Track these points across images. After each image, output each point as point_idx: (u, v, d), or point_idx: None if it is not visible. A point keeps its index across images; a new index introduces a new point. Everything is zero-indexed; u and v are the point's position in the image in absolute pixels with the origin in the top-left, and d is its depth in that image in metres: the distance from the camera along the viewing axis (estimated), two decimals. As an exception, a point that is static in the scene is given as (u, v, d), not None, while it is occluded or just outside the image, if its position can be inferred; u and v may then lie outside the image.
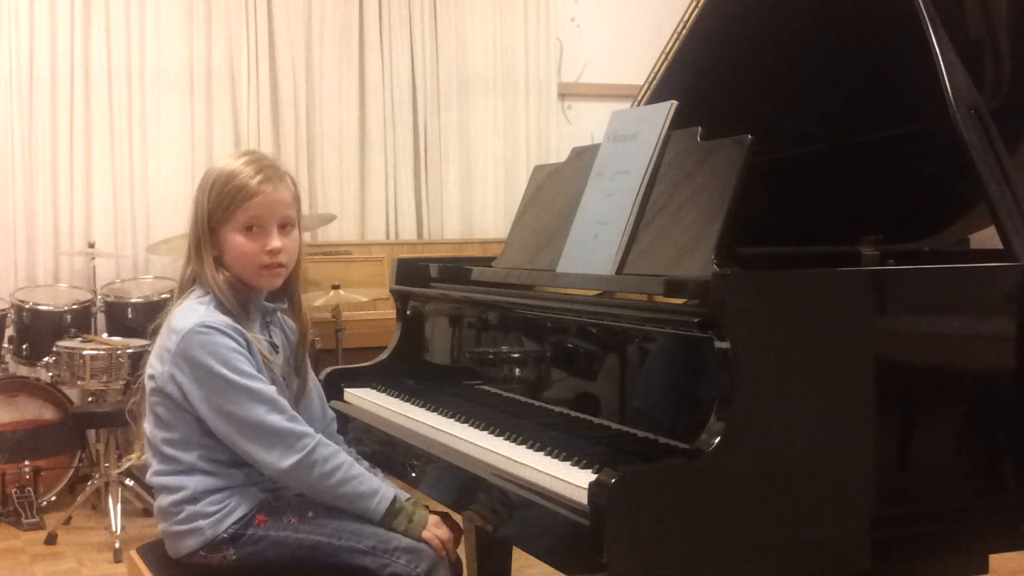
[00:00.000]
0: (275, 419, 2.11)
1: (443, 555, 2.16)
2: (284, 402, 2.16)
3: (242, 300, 2.21)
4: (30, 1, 5.36)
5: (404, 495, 2.23)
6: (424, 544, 2.14)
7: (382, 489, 2.18)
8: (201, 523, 2.13)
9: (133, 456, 4.63)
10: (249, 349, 2.16)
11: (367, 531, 2.14)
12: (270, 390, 2.15)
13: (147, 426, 2.22)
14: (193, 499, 2.14)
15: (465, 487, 2.17)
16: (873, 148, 2.70)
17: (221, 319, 2.15)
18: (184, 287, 2.25)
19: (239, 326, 2.16)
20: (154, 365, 2.18)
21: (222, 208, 2.19)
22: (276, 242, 2.20)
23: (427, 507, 2.23)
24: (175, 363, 2.13)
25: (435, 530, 2.17)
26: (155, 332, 2.26)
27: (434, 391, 2.66)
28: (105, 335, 4.92)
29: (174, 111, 5.62)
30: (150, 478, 2.22)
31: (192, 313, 2.16)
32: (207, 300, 2.19)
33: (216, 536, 2.13)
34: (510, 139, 6.24)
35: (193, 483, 2.15)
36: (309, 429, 2.16)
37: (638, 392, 2.15)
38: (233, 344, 2.13)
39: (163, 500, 2.18)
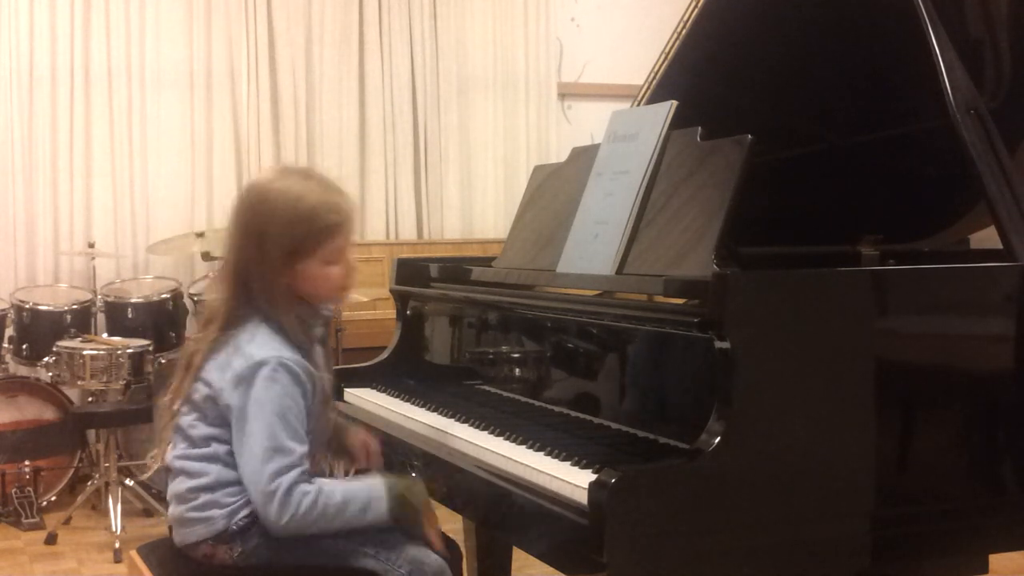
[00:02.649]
0: (280, 481, 2.05)
1: (445, 555, 2.16)
2: (300, 467, 2.08)
3: (307, 329, 2.17)
4: (30, 1, 5.36)
5: (392, 481, 2.18)
6: (429, 554, 2.14)
7: (370, 492, 2.13)
8: (215, 512, 2.12)
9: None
10: (313, 388, 2.12)
11: (373, 534, 2.13)
12: (300, 453, 2.08)
13: (184, 415, 2.17)
14: (212, 487, 2.12)
15: (465, 487, 2.17)
16: (873, 148, 2.71)
17: (295, 358, 2.10)
18: (234, 322, 2.13)
19: (307, 363, 2.12)
20: (211, 374, 2.13)
21: (308, 245, 2.11)
22: (355, 264, 2.17)
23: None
24: (235, 384, 2.09)
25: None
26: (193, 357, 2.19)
27: (434, 391, 2.66)
28: (105, 335, 4.92)
29: (174, 111, 5.62)
30: (172, 460, 2.18)
31: (268, 344, 2.10)
32: (277, 332, 2.11)
33: (227, 528, 2.12)
34: (510, 139, 6.24)
35: (215, 471, 2.13)
36: (291, 481, 2.07)
37: (638, 392, 2.14)
38: (298, 392, 2.08)
39: (181, 485, 2.16)
